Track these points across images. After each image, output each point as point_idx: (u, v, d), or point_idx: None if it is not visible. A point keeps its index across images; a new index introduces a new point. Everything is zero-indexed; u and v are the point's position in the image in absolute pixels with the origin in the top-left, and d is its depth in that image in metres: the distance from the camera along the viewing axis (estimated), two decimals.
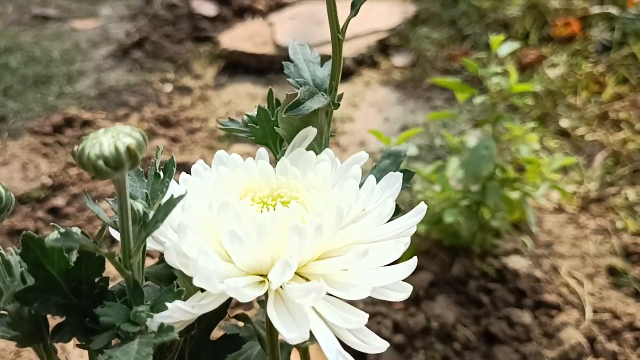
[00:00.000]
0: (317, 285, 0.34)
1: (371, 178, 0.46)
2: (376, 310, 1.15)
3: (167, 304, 0.32)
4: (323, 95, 0.48)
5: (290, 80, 0.52)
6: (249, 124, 0.51)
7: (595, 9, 2.09)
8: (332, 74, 0.49)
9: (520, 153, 1.08)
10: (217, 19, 2.67)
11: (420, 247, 1.21)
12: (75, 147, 0.30)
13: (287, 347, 0.57)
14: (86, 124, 2.03)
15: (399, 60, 2.20)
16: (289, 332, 0.33)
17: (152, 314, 0.33)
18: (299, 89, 0.47)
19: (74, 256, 0.35)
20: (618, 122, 1.76)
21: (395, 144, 1.08)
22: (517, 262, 1.23)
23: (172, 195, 0.34)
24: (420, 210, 0.43)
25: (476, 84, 1.64)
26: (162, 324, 0.32)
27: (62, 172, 1.74)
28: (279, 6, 2.66)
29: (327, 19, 0.48)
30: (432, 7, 2.49)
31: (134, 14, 3.00)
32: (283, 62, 0.54)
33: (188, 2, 2.82)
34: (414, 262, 0.39)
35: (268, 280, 0.38)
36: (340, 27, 0.48)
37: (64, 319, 0.33)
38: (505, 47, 1.11)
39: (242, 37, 2.36)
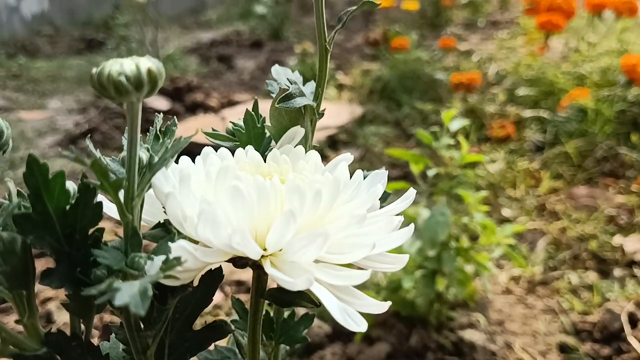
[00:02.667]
0: (322, 230, 0.34)
1: (359, 172, 0.47)
2: None
3: (170, 244, 0.31)
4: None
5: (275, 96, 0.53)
6: (234, 128, 0.51)
7: (528, 113, 2.27)
8: (318, 81, 0.51)
9: (474, 220, 1.12)
10: (169, 113, 2.71)
11: (377, 317, 1.20)
12: (93, 70, 0.30)
13: None
14: None
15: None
16: (294, 278, 0.32)
17: (152, 256, 0.31)
18: None
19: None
20: (555, 213, 1.85)
21: None
22: (473, 335, 1.23)
23: (181, 136, 0.34)
24: (409, 196, 0.44)
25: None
26: (167, 257, 0.30)
27: None
28: (231, 104, 2.74)
29: None
30: (378, 109, 2.63)
31: (83, 108, 3.02)
32: (267, 81, 0.55)
33: None
34: (411, 228, 0.39)
35: (264, 249, 0.37)
36: (327, 38, 0.51)
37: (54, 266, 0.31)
38: (455, 123, 1.18)
39: (194, 128, 2.38)
